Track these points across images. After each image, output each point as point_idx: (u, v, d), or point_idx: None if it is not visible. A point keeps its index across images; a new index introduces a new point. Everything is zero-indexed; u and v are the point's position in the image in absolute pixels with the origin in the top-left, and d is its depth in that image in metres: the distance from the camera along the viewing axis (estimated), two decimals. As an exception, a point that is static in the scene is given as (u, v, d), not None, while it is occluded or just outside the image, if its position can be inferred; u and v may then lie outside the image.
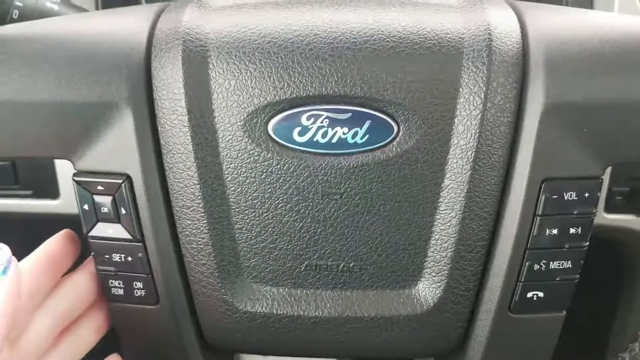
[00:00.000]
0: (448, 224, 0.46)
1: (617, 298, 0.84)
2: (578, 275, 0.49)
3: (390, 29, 0.45)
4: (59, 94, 0.46)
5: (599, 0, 0.77)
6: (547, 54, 0.45)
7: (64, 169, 0.66)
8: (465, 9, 0.47)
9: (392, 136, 0.45)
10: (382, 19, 0.46)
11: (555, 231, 0.47)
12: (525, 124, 0.45)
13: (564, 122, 0.45)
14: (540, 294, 0.48)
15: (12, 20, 0.56)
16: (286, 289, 0.49)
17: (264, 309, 0.49)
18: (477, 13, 0.46)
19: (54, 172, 0.66)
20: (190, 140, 0.45)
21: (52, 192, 0.68)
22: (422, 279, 0.48)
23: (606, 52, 0.45)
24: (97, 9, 0.79)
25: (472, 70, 0.44)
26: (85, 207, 0.48)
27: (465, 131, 0.45)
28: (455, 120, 0.45)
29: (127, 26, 0.48)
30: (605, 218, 0.66)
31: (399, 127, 0.45)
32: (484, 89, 0.44)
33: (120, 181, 0.47)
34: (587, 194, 0.46)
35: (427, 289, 0.48)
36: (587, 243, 0.48)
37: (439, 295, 0.48)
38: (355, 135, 0.45)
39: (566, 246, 0.47)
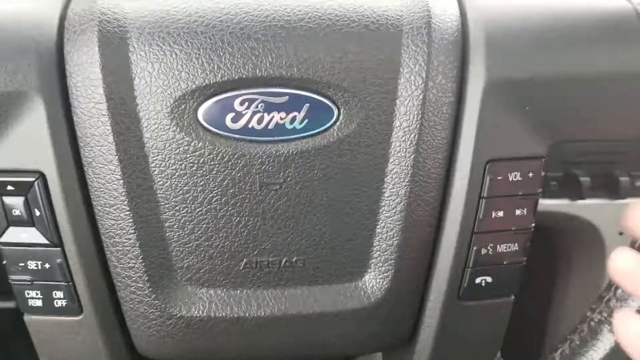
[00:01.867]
0: (393, 211, 0.44)
1: (553, 288, 0.85)
2: (525, 258, 0.48)
3: (326, 6, 0.43)
4: None
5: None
6: (486, 31, 0.44)
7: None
8: None
9: (333, 120, 0.42)
10: None
11: (501, 213, 0.46)
12: (468, 103, 0.44)
13: (506, 100, 0.44)
14: (489, 279, 0.47)
15: None
16: (224, 290, 0.45)
17: (200, 312, 0.45)
18: None
19: None
20: (110, 131, 0.41)
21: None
22: (369, 270, 0.46)
23: (545, 29, 0.44)
24: None
25: (412, 48, 0.42)
26: None
27: (408, 113, 0.43)
28: (397, 101, 0.43)
29: (35, 8, 0.43)
30: (540, 204, 0.66)
31: (339, 111, 0.42)
32: (425, 67, 0.42)
33: (33, 179, 0.42)
34: (531, 174, 0.45)
35: (375, 281, 0.46)
36: (533, 224, 0.47)
37: (386, 286, 0.46)
38: (293, 120, 0.42)
39: (512, 228, 0.46)
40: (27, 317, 0.46)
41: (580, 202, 0.54)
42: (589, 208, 0.55)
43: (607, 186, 0.53)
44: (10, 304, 0.65)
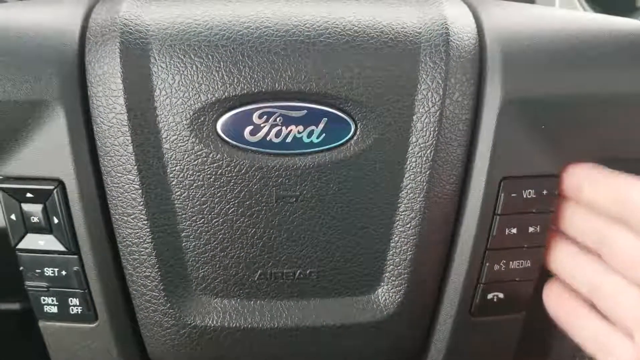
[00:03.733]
0: (407, 226, 0.45)
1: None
2: (537, 275, 0.48)
3: (345, 22, 0.43)
4: None
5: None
6: (503, 49, 0.44)
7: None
8: (420, 3, 0.46)
9: (350, 135, 0.43)
10: (336, 11, 0.44)
11: (514, 230, 0.46)
12: (484, 120, 0.44)
13: (521, 118, 0.44)
14: (501, 295, 0.47)
15: None
16: (239, 300, 0.45)
17: (214, 322, 0.45)
18: (433, 8, 0.45)
19: None
20: (130, 141, 0.42)
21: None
22: (382, 284, 0.46)
23: (562, 48, 0.45)
24: None
25: (429, 65, 0.43)
26: (13, 217, 0.43)
27: (424, 129, 0.43)
28: (414, 117, 0.43)
29: (57, 17, 0.44)
30: None
31: (356, 125, 0.43)
32: (442, 85, 0.43)
33: (52, 187, 0.42)
34: (545, 192, 0.46)
35: (387, 294, 0.46)
36: (546, 242, 0.47)
37: (399, 300, 0.46)
38: (311, 134, 0.42)
39: (525, 245, 0.46)
40: (41, 323, 0.47)
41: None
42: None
43: None
44: (14, 306, 0.66)
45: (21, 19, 0.43)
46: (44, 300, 0.45)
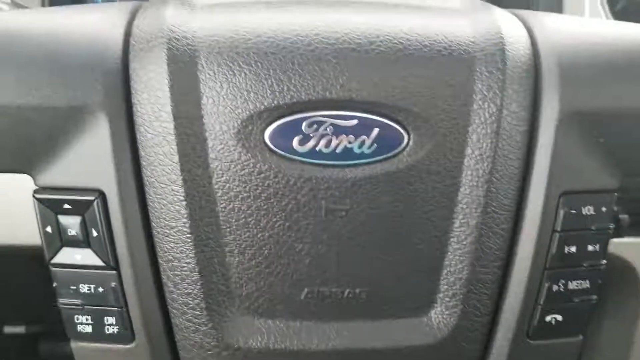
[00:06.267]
0: (463, 242, 0.42)
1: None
2: (596, 296, 0.45)
3: (397, 30, 0.42)
4: (18, 97, 0.39)
5: (569, 5, 0.78)
6: (559, 60, 0.43)
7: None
8: (471, 12, 0.45)
9: (402, 146, 0.41)
10: (387, 20, 0.43)
11: (573, 249, 0.44)
12: (541, 133, 0.42)
13: (580, 131, 0.42)
14: (559, 317, 0.45)
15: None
16: (284, 321, 0.43)
17: (258, 344, 0.43)
18: (486, 17, 0.44)
19: None
20: (175, 150, 0.40)
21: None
22: (435, 305, 0.43)
23: (619, 59, 0.43)
24: None
25: (485, 75, 0.41)
26: (48, 229, 0.41)
27: (480, 140, 0.41)
28: (469, 128, 0.41)
29: (99, 23, 0.43)
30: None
31: (409, 136, 0.41)
32: (500, 95, 0.41)
33: (92, 198, 0.40)
34: (604, 208, 0.44)
35: (441, 316, 0.43)
36: (605, 261, 0.45)
37: (453, 322, 0.43)
38: (362, 144, 0.41)
39: (584, 265, 0.44)
40: (74, 344, 0.44)
41: (617, 240, 0.51)
42: (627, 247, 0.52)
43: None
44: (19, 330, 0.63)
45: (63, 24, 0.42)
46: (77, 319, 0.43)
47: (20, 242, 0.46)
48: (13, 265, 0.51)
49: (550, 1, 0.79)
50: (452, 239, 0.42)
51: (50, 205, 0.41)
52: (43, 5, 0.80)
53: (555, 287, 0.44)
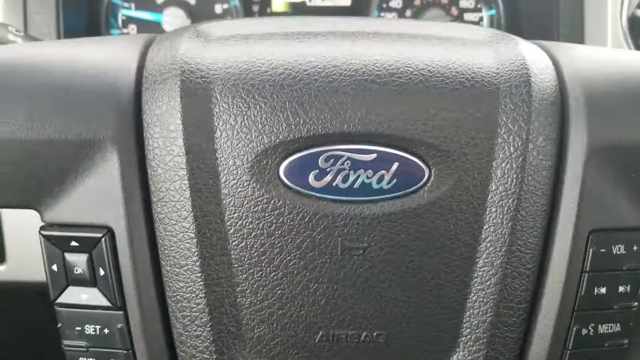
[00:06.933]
0: (487, 283, 0.40)
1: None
2: (627, 340, 0.43)
3: (417, 61, 0.40)
4: (28, 130, 0.38)
5: (591, 36, 0.77)
6: (586, 92, 0.41)
7: (12, 226, 0.57)
8: (494, 43, 0.43)
9: (423, 181, 0.39)
10: (407, 51, 0.41)
11: (603, 290, 0.41)
12: (569, 168, 0.40)
13: (609, 166, 0.40)
14: None
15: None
16: None
17: None
18: (509, 48, 0.43)
19: None
20: (187, 186, 0.38)
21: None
22: (458, 350, 0.41)
23: None
24: None
25: (510, 107, 0.40)
26: (54, 267, 0.40)
27: (505, 175, 0.39)
28: (494, 163, 0.40)
29: (112, 55, 0.42)
30: None
31: (430, 171, 0.39)
32: (525, 128, 0.39)
33: (100, 235, 0.39)
34: (635, 247, 0.41)
35: None
36: (637, 303, 0.42)
37: None
38: (380, 179, 0.39)
39: (615, 307, 0.42)
40: None
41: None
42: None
43: None
44: None
45: (76, 56, 0.41)
46: None
47: (28, 279, 0.44)
48: (17, 303, 0.49)
49: (572, 32, 0.79)
50: (475, 280, 0.40)
51: (56, 243, 0.40)
52: (58, 37, 0.80)
53: (584, 331, 0.41)
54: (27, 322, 0.63)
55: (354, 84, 0.39)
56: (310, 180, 0.39)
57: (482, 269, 0.40)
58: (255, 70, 0.40)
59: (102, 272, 0.39)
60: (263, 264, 0.39)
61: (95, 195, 0.39)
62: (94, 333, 0.40)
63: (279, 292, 0.40)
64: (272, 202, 0.39)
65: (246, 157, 0.38)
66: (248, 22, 0.47)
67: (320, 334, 0.40)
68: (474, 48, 0.42)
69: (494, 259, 0.40)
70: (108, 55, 0.42)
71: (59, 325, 0.41)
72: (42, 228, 0.40)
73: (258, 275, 0.40)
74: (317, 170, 0.39)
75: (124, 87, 0.40)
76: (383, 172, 0.39)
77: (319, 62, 0.40)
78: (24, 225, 0.43)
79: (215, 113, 0.39)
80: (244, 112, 0.39)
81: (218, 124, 0.39)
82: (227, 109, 0.39)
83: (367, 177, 0.39)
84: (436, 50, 0.42)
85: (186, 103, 0.39)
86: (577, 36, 0.79)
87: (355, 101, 0.39)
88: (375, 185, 0.39)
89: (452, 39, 0.44)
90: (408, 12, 0.98)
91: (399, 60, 0.40)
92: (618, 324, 0.42)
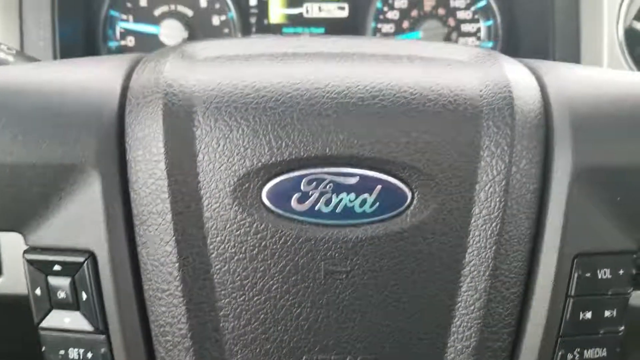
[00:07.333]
0: (471, 308, 0.40)
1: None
2: None
3: (401, 84, 0.40)
4: (11, 154, 0.38)
5: (586, 51, 0.77)
6: (572, 114, 0.41)
7: (7, 241, 0.57)
8: (478, 64, 0.43)
9: (406, 204, 0.39)
10: (390, 73, 0.41)
11: (589, 315, 0.41)
12: (553, 191, 0.40)
13: (595, 189, 0.40)
14: None
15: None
16: None
17: None
18: (494, 69, 0.42)
19: None
20: (169, 209, 0.38)
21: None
22: None
23: (636, 113, 0.41)
24: None
25: (493, 130, 0.39)
26: (37, 291, 0.40)
27: (489, 199, 0.39)
28: (477, 186, 0.39)
29: (97, 77, 0.42)
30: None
31: (413, 194, 0.39)
32: (508, 151, 0.39)
33: (82, 259, 0.39)
34: (621, 271, 0.41)
35: None
36: (623, 328, 0.42)
37: None
38: (363, 203, 0.39)
39: (601, 332, 0.41)
40: None
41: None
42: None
43: None
44: None
45: (60, 77, 0.41)
46: None
47: (23, 292, 0.44)
48: (13, 316, 0.49)
49: (568, 48, 0.79)
50: (458, 304, 0.40)
51: (40, 267, 0.40)
52: (54, 51, 0.80)
53: (569, 356, 0.41)
54: (23, 336, 0.63)
55: (337, 106, 0.39)
56: (292, 203, 0.39)
57: (465, 293, 0.40)
58: (239, 92, 0.40)
59: (84, 296, 0.39)
60: (246, 288, 0.39)
61: (78, 219, 0.39)
62: (77, 357, 0.40)
63: (262, 316, 0.40)
64: (254, 225, 0.39)
65: (229, 180, 0.38)
66: (236, 42, 0.47)
67: (303, 358, 0.40)
68: (458, 69, 0.42)
69: (477, 283, 0.40)
70: (94, 77, 0.42)
71: (43, 349, 0.41)
72: (25, 251, 0.40)
73: (241, 299, 0.39)
74: (300, 194, 0.39)
75: (107, 109, 0.40)
76: (366, 195, 0.39)
77: (302, 84, 0.40)
78: (19, 239, 0.43)
79: (197, 136, 0.39)
80: (226, 135, 0.39)
81: (200, 147, 0.39)
82: (210, 132, 0.39)
83: (350, 201, 0.39)
84: (420, 72, 0.41)
85: (168, 126, 0.39)
86: (574, 52, 0.79)
87: (337, 124, 0.39)
88: (358, 209, 0.39)
89: (437, 60, 0.43)
90: (405, 24, 0.98)
91: (382, 83, 0.40)
92: (604, 349, 0.42)
